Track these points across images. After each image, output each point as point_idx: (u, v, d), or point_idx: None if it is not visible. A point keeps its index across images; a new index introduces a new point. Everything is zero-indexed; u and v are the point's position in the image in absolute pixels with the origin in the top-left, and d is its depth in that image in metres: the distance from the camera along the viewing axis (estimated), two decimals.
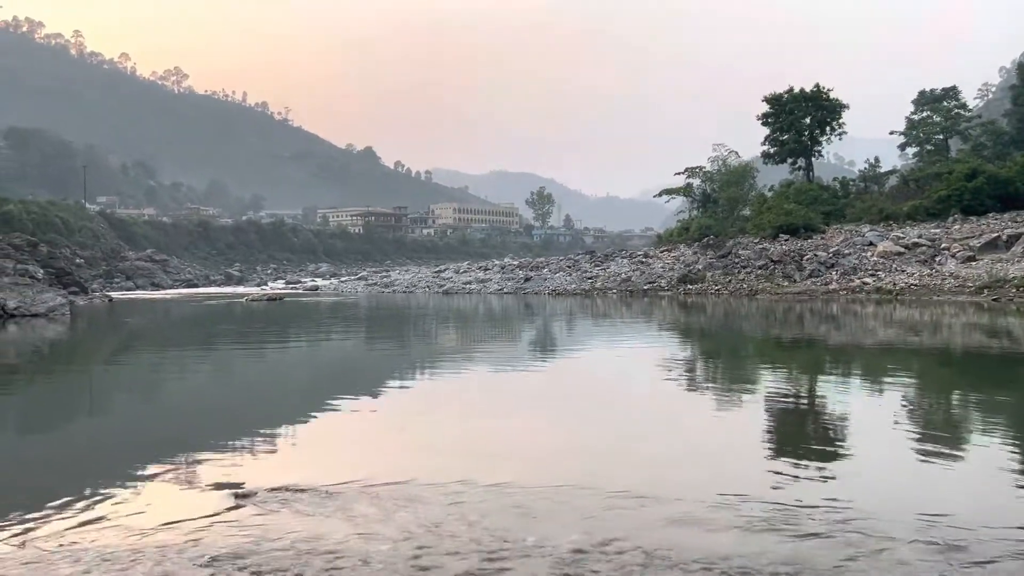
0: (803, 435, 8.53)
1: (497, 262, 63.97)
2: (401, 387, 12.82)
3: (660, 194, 63.47)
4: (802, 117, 51.16)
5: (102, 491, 6.20)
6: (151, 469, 6.96)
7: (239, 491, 5.92)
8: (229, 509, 5.53)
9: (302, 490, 5.89)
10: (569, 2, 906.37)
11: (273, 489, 5.92)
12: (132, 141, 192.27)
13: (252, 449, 7.93)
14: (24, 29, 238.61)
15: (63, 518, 5.47)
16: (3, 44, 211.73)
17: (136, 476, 6.74)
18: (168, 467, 7.04)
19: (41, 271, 34.14)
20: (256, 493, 5.84)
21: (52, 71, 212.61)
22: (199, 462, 7.26)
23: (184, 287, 59.07)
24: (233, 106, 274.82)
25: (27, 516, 5.50)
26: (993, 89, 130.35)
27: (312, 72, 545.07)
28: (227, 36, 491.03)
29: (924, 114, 56.35)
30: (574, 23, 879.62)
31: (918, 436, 8.17)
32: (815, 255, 34.55)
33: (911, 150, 59.95)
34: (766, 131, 52.93)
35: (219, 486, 6.13)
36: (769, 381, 12.43)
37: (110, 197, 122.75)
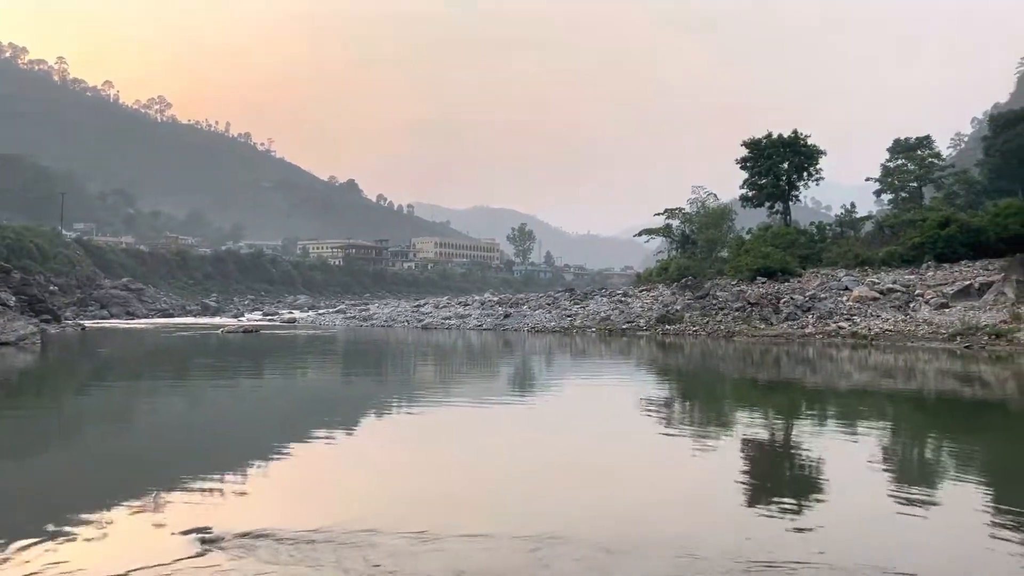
0: (777, 483, 8.52)
1: (477, 297, 63.97)
2: (375, 426, 12.68)
3: (640, 234, 64.09)
4: (780, 162, 51.96)
5: (64, 532, 6.06)
6: (116, 509, 6.81)
7: (206, 536, 5.80)
8: (194, 556, 5.41)
9: (270, 536, 5.78)
10: (550, 44, 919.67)
11: (240, 535, 5.81)
12: (113, 169, 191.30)
13: (221, 489, 7.78)
14: (7, 55, 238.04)
15: (23, 562, 5.32)
16: None
17: (100, 517, 6.59)
18: (134, 507, 6.89)
19: (13, 298, 33.65)
20: (223, 538, 5.73)
21: (34, 97, 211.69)
22: (166, 502, 7.12)
23: (159, 316, 58.45)
24: (216, 136, 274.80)
25: None
26: (966, 139, 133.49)
27: (296, 104, 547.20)
28: (213, 67, 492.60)
29: (899, 162, 57.56)
30: (556, 63, 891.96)
31: (891, 485, 8.19)
32: (792, 298, 34.84)
33: (886, 197, 61.07)
34: (745, 175, 53.69)
35: (185, 530, 5.99)
36: (745, 425, 12.44)
37: (87, 224, 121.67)
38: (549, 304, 47.75)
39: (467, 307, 52.09)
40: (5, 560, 5.35)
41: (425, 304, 58.66)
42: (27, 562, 5.32)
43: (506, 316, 45.23)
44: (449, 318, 47.42)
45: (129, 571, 5.09)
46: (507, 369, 23.83)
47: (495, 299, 57.80)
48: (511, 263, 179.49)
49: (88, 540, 5.92)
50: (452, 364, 25.52)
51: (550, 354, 28.35)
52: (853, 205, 55.63)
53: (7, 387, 17.82)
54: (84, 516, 6.56)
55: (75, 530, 6.13)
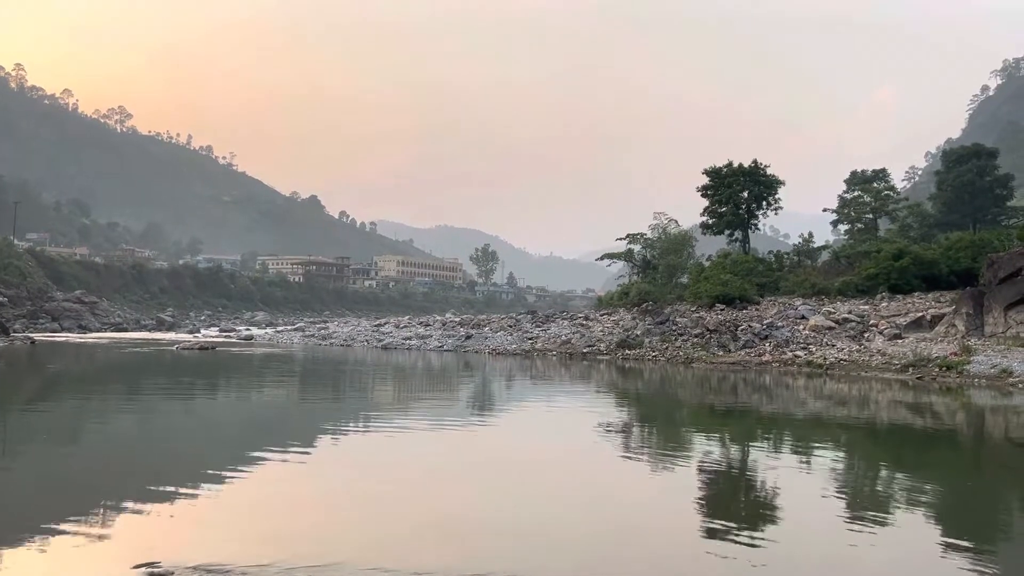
0: (735, 512, 8.56)
1: (439, 318, 63.69)
2: (331, 451, 12.52)
3: (602, 258, 64.57)
4: (740, 191, 52.78)
5: (4, 563, 5.85)
6: (62, 537, 6.61)
7: (155, 569, 5.65)
8: None
9: (222, 570, 5.65)
10: (517, 67, 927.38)
11: (191, 568, 5.67)
12: (69, 178, 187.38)
13: (172, 517, 7.60)
14: None
15: None
16: None
17: (45, 545, 6.38)
18: (81, 535, 6.70)
19: None
20: (173, 573, 5.58)
21: None
22: (113, 531, 6.93)
23: (113, 331, 57.21)
24: (176, 148, 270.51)
25: None
26: (920, 173, 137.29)
27: (259, 118, 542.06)
28: (176, 79, 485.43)
29: (856, 193, 58.74)
30: (522, 86, 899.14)
31: (844, 512, 8.29)
32: (749, 326, 35.28)
33: (843, 227, 62.25)
34: (706, 202, 54.39)
35: (135, 564, 5.82)
36: (703, 453, 12.50)
37: (41, 234, 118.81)
38: (511, 326, 47.73)
39: (428, 327, 51.83)
40: None
41: (386, 323, 58.22)
42: None
43: (467, 337, 45.10)
44: (410, 338, 47.11)
45: None
46: (467, 393, 23.73)
47: (457, 320, 57.62)
48: (473, 283, 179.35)
49: (29, 573, 5.72)
50: (412, 387, 25.34)
51: (511, 378, 28.30)
52: (811, 235, 56.68)
53: None
54: (25, 546, 6.35)
55: (15, 562, 5.93)
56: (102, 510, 7.63)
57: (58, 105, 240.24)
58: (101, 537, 6.72)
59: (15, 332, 42.44)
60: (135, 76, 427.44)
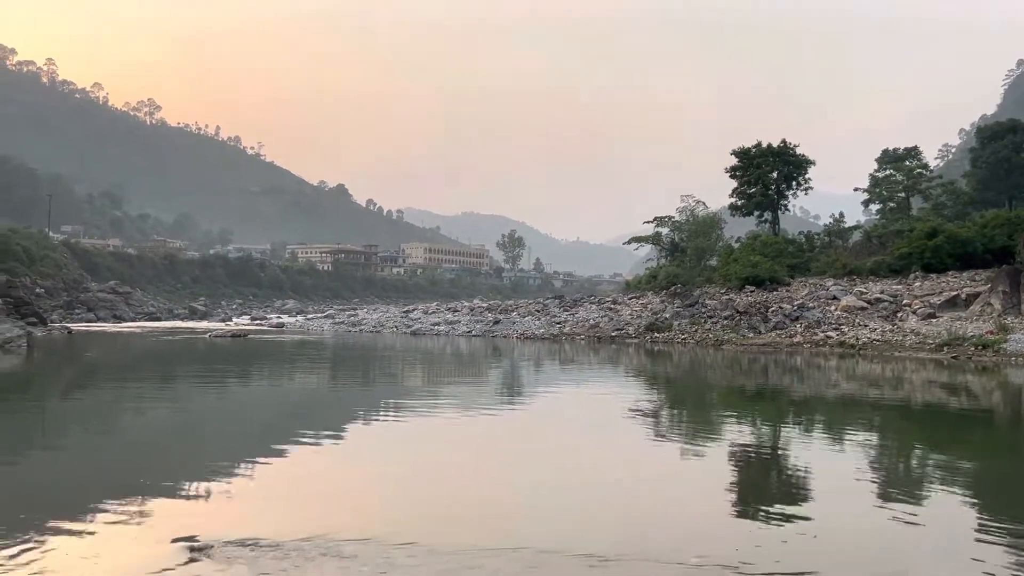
0: (767, 493, 8.52)
1: (466, 303, 63.88)
2: (364, 433, 12.63)
3: (629, 242, 64.28)
4: (769, 171, 52.13)
5: (47, 541, 5.97)
6: (102, 516, 6.74)
7: (194, 544, 5.74)
8: (183, 564, 5.36)
9: (260, 545, 5.73)
10: (543, 57, 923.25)
11: (230, 543, 5.76)
12: (100, 171, 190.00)
13: (209, 495, 7.72)
14: None
15: (2, 573, 5.25)
16: None
17: (85, 523, 6.51)
18: (120, 513, 6.83)
19: None
20: (212, 546, 5.67)
21: (22, 98, 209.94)
22: (153, 508, 7.05)
23: (146, 320, 58.15)
24: (205, 139, 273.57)
25: None
26: (953, 150, 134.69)
27: (288, 109, 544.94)
28: (205, 72, 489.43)
29: (887, 172, 57.78)
30: (548, 75, 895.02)
31: (880, 495, 8.20)
32: (780, 307, 34.94)
33: (874, 207, 61.30)
34: (734, 183, 53.83)
35: (173, 538, 5.93)
36: (734, 434, 12.44)
37: (75, 226, 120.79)
38: (539, 311, 47.71)
39: (456, 313, 52.00)
40: None
41: (414, 310, 58.51)
42: (7, 573, 5.25)
43: (496, 323, 45.18)
44: (438, 324, 47.32)
45: None
46: (497, 376, 23.80)
47: (484, 305, 57.73)
48: (500, 269, 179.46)
49: (72, 549, 5.84)
50: (441, 371, 25.47)
51: (540, 362, 28.33)
52: (842, 215, 55.93)
53: None
54: (68, 524, 6.48)
55: (59, 539, 6.05)
56: (140, 489, 7.76)
57: (89, 99, 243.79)
58: (140, 514, 6.84)
59: (52, 322, 43.27)
60: (161, 67, 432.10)
